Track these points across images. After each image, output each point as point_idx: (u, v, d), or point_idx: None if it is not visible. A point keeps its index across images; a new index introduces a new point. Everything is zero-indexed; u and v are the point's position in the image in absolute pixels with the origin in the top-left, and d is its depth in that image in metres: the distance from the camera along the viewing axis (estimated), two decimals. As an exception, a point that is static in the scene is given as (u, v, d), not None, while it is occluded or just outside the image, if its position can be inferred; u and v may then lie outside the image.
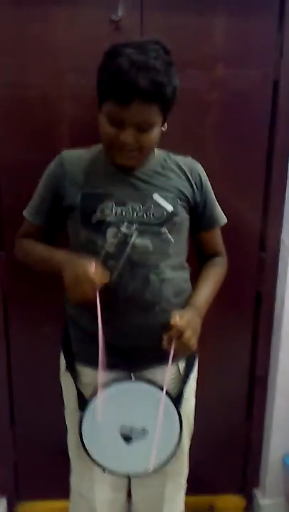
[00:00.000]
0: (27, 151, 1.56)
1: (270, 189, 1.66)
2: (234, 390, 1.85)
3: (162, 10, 1.47)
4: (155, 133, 1.17)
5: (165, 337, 1.15)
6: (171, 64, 1.12)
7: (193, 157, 1.34)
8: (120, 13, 1.45)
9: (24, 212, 1.33)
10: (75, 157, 1.27)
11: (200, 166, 1.33)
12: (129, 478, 1.50)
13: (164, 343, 1.15)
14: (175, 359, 1.20)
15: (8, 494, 1.86)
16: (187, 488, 1.54)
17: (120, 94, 1.08)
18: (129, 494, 1.54)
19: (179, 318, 1.14)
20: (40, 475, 1.83)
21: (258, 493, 1.92)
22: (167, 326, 1.15)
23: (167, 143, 1.27)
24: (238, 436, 1.91)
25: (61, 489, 1.53)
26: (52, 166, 1.28)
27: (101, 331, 1.11)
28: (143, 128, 1.13)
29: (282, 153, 1.61)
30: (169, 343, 1.14)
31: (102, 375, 1.15)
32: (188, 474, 1.53)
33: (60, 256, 1.21)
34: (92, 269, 1.09)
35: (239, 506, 1.97)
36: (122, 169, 1.23)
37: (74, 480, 1.49)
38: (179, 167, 1.29)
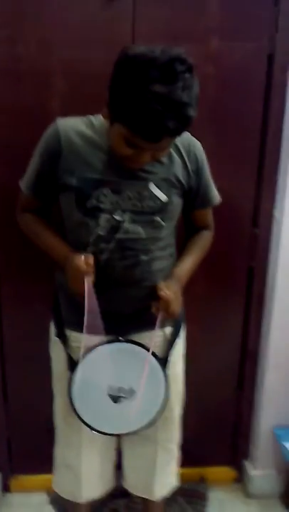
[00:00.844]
0: (17, 126, 1.54)
1: (263, 165, 1.66)
2: (225, 364, 1.88)
3: (156, -20, 1.45)
4: (169, 147, 1.18)
5: (153, 306, 1.24)
6: (194, 85, 1.04)
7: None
8: (113, -17, 1.43)
9: (20, 184, 1.32)
10: (72, 131, 1.21)
11: (198, 144, 1.31)
12: (119, 451, 1.53)
13: (153, 310, 1.25)
14: (162, 325, 1.29)
15: (1, 468, 1.88)
16: (178, 460, 1.57)
17: (149, 134, 1.03)
18: (118, 468, 1.56)
19: (166, 291, 1.22)
20: (33, 450, 1.85)
21: (248, 464, 1.96)
22: (154, 295, 1.24)
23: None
24: (228, 409, 1.94)
25: (53, 463, 1.54)
26: (48, 138, 1.24)
27: (86, 317, 1.17)
28: (161, 150, 1.14)
29: (275, 128, 1.62)
30: (157, 312, 1.24)
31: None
32: (180, 446, 1.55)
33: (60, 254, 1.27)
34: (82, 266, 1.16)
35: (230, 478, 2.01)
36: None
37: (59, 451, 1.51)
38: (177, 149, 1.26)
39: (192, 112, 1.03)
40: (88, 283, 1.16)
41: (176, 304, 1.25)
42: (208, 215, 1.44)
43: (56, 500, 1.67)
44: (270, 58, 1.55)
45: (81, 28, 1.47)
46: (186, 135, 1.28)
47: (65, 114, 1.28)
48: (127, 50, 1.03)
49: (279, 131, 1.62)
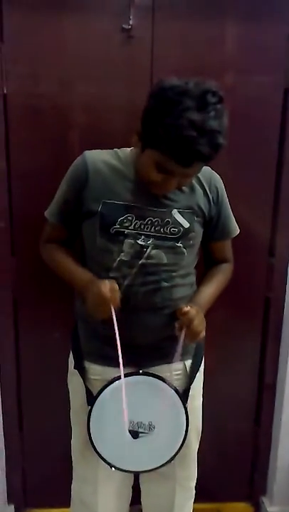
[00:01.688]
0: (38, 159, 1.57)
1: (279, 196, 1.67)
2: (242, 397, 1.85)
3: (173, 18, 1.49)
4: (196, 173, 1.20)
5: (177, 324, 1.21)
6: (224, 115, 1.09)
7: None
8: (132, 21, 1.47)
9: (46, 213, 1.34)
10: (99, 160, 1.26)
11: (218, 177, 1.35)
12: (139, 488, 1.50)
13: (176, 329, 1.21)
14: (183, 354, 1.26)
15: (16, 501, 1.86)
16: (195, 495, 1.54)
17: (182, 158, 1.07)
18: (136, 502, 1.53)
19: (189, 308, 1.20)
20: (48, 483, 1.83)
21: (265, 500, 1.91)
22: (176, 316, 1.22)
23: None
24: (245, 443, 1.91)
25: (68, 497, 1.52)
26: (75, 167, 1.28)
27: (119, 346, 1.15)
28: (189, 176, 1.17)
29: (291, 160, 1.62)
30: (180, 330, 1.21)
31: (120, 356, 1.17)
32: (196, 482, 1.52)
33: (82, 280, 1.26)
34: (108, 292, 1.14)
35: (247, 514, 1.96)
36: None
37: (76, 486, 1.49)
38: (198, 180, 1.30)
39: (222, 140, 1.08)
40: (115, 311, 1.15)
41: (200, 323, 1.21)
42: (228, 248, 1.45)
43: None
44: (286, 92, 1.57)
45: (100, 64, 1.51)
46: (207, 168, 1.31)
47: (85, 147, 1.30)
48: (162, 81, 1.09)
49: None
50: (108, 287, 1.15)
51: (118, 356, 1.15)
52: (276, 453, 1.84)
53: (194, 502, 1.55)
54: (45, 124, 1.55)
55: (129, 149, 1.29)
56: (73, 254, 1.35)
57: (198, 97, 1.04)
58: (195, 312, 1.20)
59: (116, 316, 1.15)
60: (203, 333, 1.24)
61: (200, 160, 1.09)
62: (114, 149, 1.30)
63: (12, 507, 1.85)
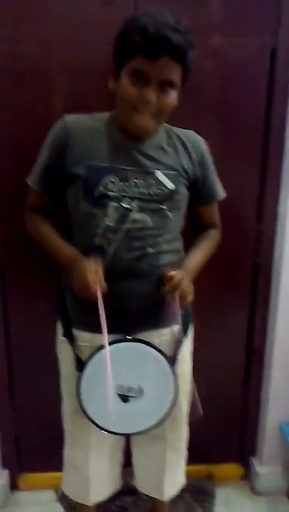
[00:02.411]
0: (18, 123, 1.54)
1: (267, 160, 1.65)
2: (231, 362, 1.88)
3: (157, -23, 1.44)
4: (174, 97, 1.18)
5: (165, 289, 1.21)
6: (188, 31, 1.12)
7: (190, 126, 1.33)
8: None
9: (28, 180, 1.32)
10: (79, 123, 1.25)
11: (202, 140, 1.34)
12: (130, 451, 1.53)
13: (164, 293, 1.22)
14: (171, 319, 1.27)
15: (10, 466, 1.89)
16: (186, 458, 1.57)
17: (151, 48, 1.08)
18: (126, 465, 1.57)
19: (175, 272, 1.21)
20: (40, 447, 1.86)
21: (255, 461, 1.96)
22: (163, 282, 1.23)
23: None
24: (235, 406, 1.94)
25: (61, 461, 1.55)
26: (56, 131, 1.27)
27: (105, 330, 1.15)
28: (166, 87, 1.14)
29: (279, 124, 1.61)
30: (168, 295, 1.22)
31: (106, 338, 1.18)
32: (187, 444, 1.56)
33: (67, 257, 1.26)
34: (92, 278, 1.14)
35: (237, 474, 2.01)
36: (129, 138, 1.23)
37: (67, 451, 1.51)
38: (182, 143, 1.29)
39: (190, 41, 1.12)
40: (100, 294, 1.15)
41: (187, 286, 1.23)
42: (215, 213, 1.45)
43: (64, 498, 1.68)
44: (273, 54, 1.54)
45: (82, 26, 1.47)
46: (190, 131, 1.32)
47: (67, 111, 1.29)
48: None
49: (282, 126, 1.61)
50: (92, 271, 1.15)
51: (108, 323, 1.15)
52: (265, 415, 1.88)
53: (186, 464, 1.58)
54: (26, 88, 1.51)
55: (107, 112, 1.27)
56: (57, 227, 1.34)
57: (158, 13, 1.11)
58: (181, 276, 1.21)
59: (102, 298, 1.15)
60: (191, 297, 1.25)
61: (168, 52, 1.09)
62: (94, 113, 1.29)
63: (6, 471, 1.88)
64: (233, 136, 1.61)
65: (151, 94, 1.13)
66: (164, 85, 1.14)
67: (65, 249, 1.28)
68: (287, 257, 1.69)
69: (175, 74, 1.14)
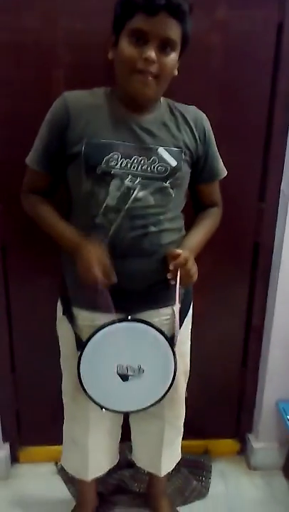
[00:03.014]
0: (20, 98, 1.50)
1: (270, 138, 1.62)
2: (230, 339, 1.88)
3: None
4: (174, 59, 1.15)
5: (171, 267, 1.20)
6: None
7: (193, 102, 1.31)
8: None
9: (27, 160, 1.29)
10: (79, 100, 1.23)
11: (205, 116, 1.32)
12: (128, 426, 1.55)
13: (170, 272, 1.21)
14: (171, 299, 1.27)
15: (10, 440, 1.92)
16: (183, 433, 1.59)
17: (149, 3, 1.07)
18: (124, 439, 1.59)
19: (180, 251, 1.20)
20: (41, 421, 1.88)
21: (251, 437, 1.99)
22: (165, 267, 1.22)
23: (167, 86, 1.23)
24: (232, 383, 1.96)
25: (61, 435, 1.57)
26: (55, 109, 1.24)
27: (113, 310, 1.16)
28: (165, 46, 1.12)
29: (284, 100, 1.57)
30: (174, 273, 1.20)
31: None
32: (184, 419, 1.58)
33: (71, 241, 1.24)
34: (96, 266, 1.14)
35: (233, 450, 2.04)
36: (131, 111, 1.21)
37: (67, 427, 1.53)
38: (184, 118, 1.27)
39: (188, 3, 1.12)
40: (106, 281, 1.14)
41: (193, 265, 1.23)
42: (216, 191, 1.43)
43: (64, 471, 1.71)
44: (280, 27, 1.50)
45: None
46: (193, 107, 1.30)
47: (69, 85, 1.26)
48: None
49: (287, 102, 1.57)
50: (96, 254, 1.15)
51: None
52: (262, 392, 1.89)
53: (182, 439, 1.61)
54: (28, 61, 1.47)
55: (107, 88, 1.25)
56: (56, 207, 1.32)
57: None
58: (186, 255, 1.20)
59: (105, 285, 1.14)
60: (196, 276, 1.24)
61: (166, 9, 1.08)
62: (93, 89, 1.26)
63: (7, 445, 1.91)
64: (237, 111, 1.58)
65: (152, 52, 1.11)
66: (165, 44, 1.12)
67: (68, 233, 1.26)
68: (288, 236, 1.68)
69: (174, 32, 1.12)
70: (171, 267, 1.20)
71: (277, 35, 1.51)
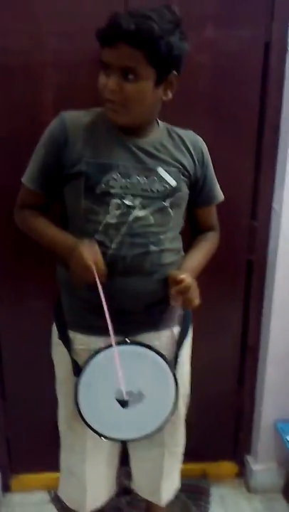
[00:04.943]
0: (8, 119, 1.49)
1: (261, 155, 1.63)
2: (226, 358, 1.86)
3: None
4: (142, 87, 1.13)
5: (172, 292, 1.19)
6: (172, 22, 1.09)
7: (183, 122, 1.31)
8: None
9: (23, 179, 1.27)
10: (77, 120, 1.22)
11: (202, 140, 1.32)
12: (126, 451, 1.51)
13: (172, 296, 1.20)
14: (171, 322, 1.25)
15: (1, 467, 1.86)
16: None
17: (105, 35, 1.08)
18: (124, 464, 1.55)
19: (184, 275, 1.18)
20: (32, 448, 1.83)
21: (250, 459, 1.95)
22: (165, 289, 1.21)
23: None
24: (229, 403, 1.93)
25: (54, 462, 1.52)
26: (53, 129, 1.22)
27: (107, 312, 1.12)
28: (127, 75, 1.11)
29: (273, 118, 1.58)
30: (176, 297, 1.19)
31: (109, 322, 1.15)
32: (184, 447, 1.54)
33: (63, 244, 1.22)
34: (89, 256, 1.12)
35: (232, 472, 2.00)
36: (128, 134, 1.20)
37: (63, 456, 1.48)
38: (183, 141, 1.28)
39: (153, 28, 1.06)
40: (99, 276, 1.12)
41: (195, 291, 1.21)
42: (213, 215, 1.43)
43: (57, 499, 1.66)
44: (267, 46, 1.52)
45: (72, 18, 1.42)
46: (190, 131, 1.31)
47: (59, 106, 1.25)
48: None
49: (276, 120, 1.59)
50: (90, 250, 1.13)
51: (105, 324, 1.12)
52: (260, 412, 1.87)
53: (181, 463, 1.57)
54: (17, 83, 1.46)
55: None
56: (52, 220, 1.30)
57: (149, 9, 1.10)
58: (190, 280, 1.19)
59: (101, 281, 1.12)
60: (198, 300, 1.22)
61: (121, 37, 1.06)
62: (91, 109, 1.26)
63: (1, 472, 1.85)
64: (227, 130, 1.59)
65: (112, 82, 1.11)
66: (126, 73, 1.10)
67: (63, 238, 1.24)
68: (281, 254, 1.67)
69: (135, 59, 1.09)
70: (173, 292, 1.18)
71: (264, 53, 1.52)
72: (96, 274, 1.11)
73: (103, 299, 1.11)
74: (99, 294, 1.11)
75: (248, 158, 1.64)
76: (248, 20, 1.50)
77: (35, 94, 1.47)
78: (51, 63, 1.46)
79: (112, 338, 1.15)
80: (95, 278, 1.11)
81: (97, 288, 1.11)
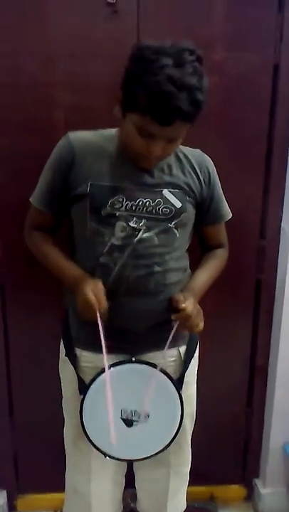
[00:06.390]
0: (20, 139, 1.52)
1: (270, 176, 1.64)
2: (234, 379, 1.84)
3: (160, -9, 1.44)
4: (180, 142, 1.17)
5: (173, 317, 1.19)
6: (203, 75, 1.08)
7: (192, 143, 1.31)
8: (116, -5, 1.41)
9: (31, 199, 1.29)
10: (84, 141, 1.23)
11: (209, 159, 1.32)
12: (132, 472, 1.50)
13: (173, 321, 1.19)
14: (176, 340, 1.26)
15: (8, 487, 1.85)
16: (188, 479, 1.53)
17: (162, 116, 1.04)
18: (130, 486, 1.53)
19: (185, 302, 1.17)
20: (39, 468, 1.82)
21: (258, 482, 1.92)
22: (170, 309, 1.21)
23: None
24: (238, 426, 1.90)
25: (61, 482, 1.51)
26: (60, 150, 1.24)
27: (105, 351, 1.13)
28: (173, 140, 1.13)
29: (282, 139, 1.59)
30: (177, 322, 1.19)
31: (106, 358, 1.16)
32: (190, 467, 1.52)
33: (70, 277, 1.23)
34: (92, 297, 1.13)
35: (240, 496, 1.96)
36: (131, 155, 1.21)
37: (69, 475, 1.47)
38: (189, 162, 1.28)
39: (202, 97, 1.06)
40: (100, 316, 1.13)
41: (197, 316, 1.20)
42: (222, 233, 1.43)
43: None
44: (276, 68, 1.53)
45: (84, 40, 1.46)
46: (197, 150, 1.31)
47: (69, 127, 1.27)
48: (139, 42, 1.09)
49: (285, 141, 1.60)
50: (93, 288, 1.14)
51: (111, 343, 1.13)
52: (268, 435, 1.84)
53: (188, 485, 1.55)
54: (28, 103, 1.49)
55: (114, 129, 1.25)
56: (59, 244, 1.31)
57: (175, 54, 1.03)
58: (192, 307, 1.18)
59: (102, 320, 1.13)
60: (201, 326, 1.22)
61: (180, 117, 1.05)
62: (99, 129, 1.26)
63: (4, 492, 1.84)
64: (236, 151, 1.60)
65: (158, 149, 1.12)
66: (173, 139, 1.13)
67: (70, 270, 1.25)
68: (290, 273, 1.66)
69: (185, 129, 1.12)
70: (174, 318, 1.19)
71: (273, 75, 1.54)
72: (98, 312, 1.12)
73: (103, 338, 1.12)
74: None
75: (257, 178, 1.64)
76: (257, 42, 1.52)
77: (46, 113, 1.50)
78: (62, 84, 1.48)
79: (105, 362, 1.16)
80: (96, 314, 1.12)
81: (99, 323, 1.12)
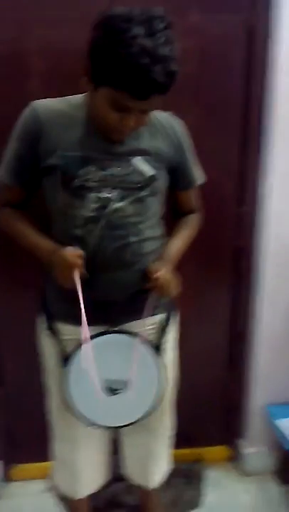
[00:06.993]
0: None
1: (247, 141, 1.62)
2: (215, 344, 1.87)
3: None
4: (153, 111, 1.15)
5: (149, 284, 1.21)
6: (175, 42, 1.03)
7: (168, 107, 1.29)
8: None
9: None
10: (50, 109, 1.18)
11: (179, 123, 1.30)
12: (118, 439, 1.52)
13: (149, 287, 1.22)
14: (155, 308, 1.27)
15: (3, 458, 1.87)
16: (174, 442, 1.57)
17: (138, 90, 1.01)
18: (116, 452, 1.56)
19: (158, 272, 1.19)
20: (33, 437, 1.81)
21: (242, 443, 1.97)
22: (146, 279, 1.22)
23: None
24: (221, 389, 1.94)
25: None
26: (25, 120, 1.19)
27: (83, 310, 1.14)
28: (147, 112, 1.10)
29: (257, 102, 1.58)
30: (152, 291, 1.22)
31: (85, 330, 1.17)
32: (175, 428, 1.55)
33: (45, 251, 1.22)
34: (70, 258, 1.13)
35: (225, 457, 2.02)
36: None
37: (55, 445, 1.49)
38: (160, 126, 1.25)
39: (176, 67, 1.03)
40: (78, 276, 1.13)
41: (171, 284, 1.23)
42: (195, 198, 1.42)
43: (55, 487, 1.66)
44: (251, 31, 1.51)
45: (58, 6, 1.41)
46: (167, 115, 1.28)
47: (44, 94, 1.23)
48: (106, 12, 1.02)
49: (260, 105, 1.58)
50: (71, 253, 1.13)
51: (92, 314, 1.14)
52: (251, 396, 1.88)
53: (174, 448, 1.59)
54: (3, 71, 1.45)
55: (80, 96, 1.20)
56: (33, 219, 1.29)
57: (145, 22, 0.98)
58: (165, 274, 1.20)
59: (81, 280, 1.13)
60: (175, 291, 1.24)
61: (156, 90, 1.02)
62: (65, 97, 1.22)
63: (1, 462, 1.87)
64: (212, 115, 1.58)
65: (132, 121, 1.09)
66: (147, 111, 1.10)
67: (44, 244, 1.23)
68: (269, 239, 1.68)
69: (160, 101, 1.09)
70: (149, 286, 1.21)
71: (247, 38, 1.52)
72: (77, 272, 1.13)
73: (82, 304, 1.13)
74: (83, 286, 1.13)
75: (234, 143, 1.63)
76: (232, 4, 1.49)
77: (21, 82, 1.46)
78: (37, 51, 1.44)
79: (86, 332, 1.17)
80: (75, 276, 1.13)
81: (80, 284, 1.13)
